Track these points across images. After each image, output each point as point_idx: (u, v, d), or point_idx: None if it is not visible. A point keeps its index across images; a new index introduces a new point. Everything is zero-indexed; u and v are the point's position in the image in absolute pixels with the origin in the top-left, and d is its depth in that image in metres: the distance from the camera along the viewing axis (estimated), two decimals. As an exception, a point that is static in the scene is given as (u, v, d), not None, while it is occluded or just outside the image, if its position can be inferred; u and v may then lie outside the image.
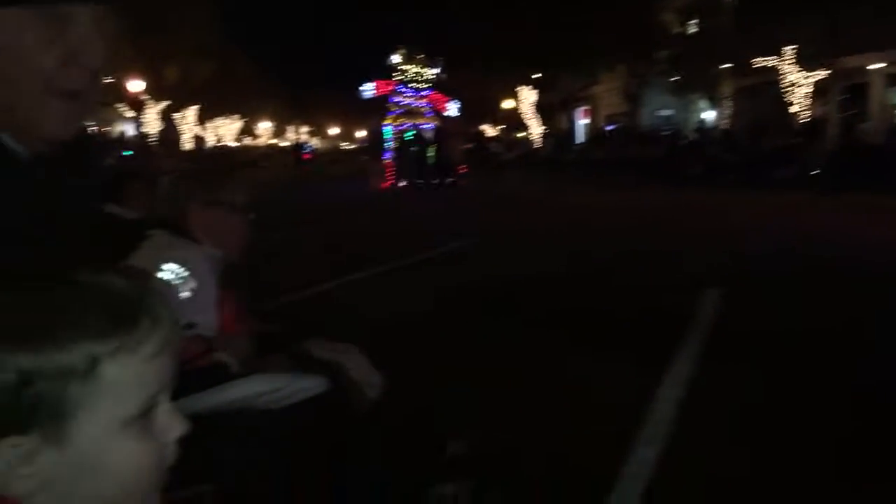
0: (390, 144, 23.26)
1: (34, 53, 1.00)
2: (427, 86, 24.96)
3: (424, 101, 24.74)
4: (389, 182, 21.89)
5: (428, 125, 24.03)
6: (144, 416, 0.71)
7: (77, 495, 0.68)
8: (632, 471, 2.86)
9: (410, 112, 24.38)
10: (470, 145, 24.13)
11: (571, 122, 40.64)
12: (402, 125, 23.91)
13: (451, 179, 21.44)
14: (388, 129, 23.77)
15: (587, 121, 41.98)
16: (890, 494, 2.70)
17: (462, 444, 2.66)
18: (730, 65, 26.56)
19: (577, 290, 6.34)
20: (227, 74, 38.93)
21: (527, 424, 3.33)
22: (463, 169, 22.54)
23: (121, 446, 0.69)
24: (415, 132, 23.27)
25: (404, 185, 21.35)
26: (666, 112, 35.05)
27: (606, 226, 10.99)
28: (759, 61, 23.31)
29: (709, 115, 30.92)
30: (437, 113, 24.88)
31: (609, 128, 36.25)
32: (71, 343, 0.65)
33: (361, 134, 31.83)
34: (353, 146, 61.68)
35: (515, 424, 3.31)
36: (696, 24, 29.34)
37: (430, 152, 22.09)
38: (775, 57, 22.91)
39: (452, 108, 25.15)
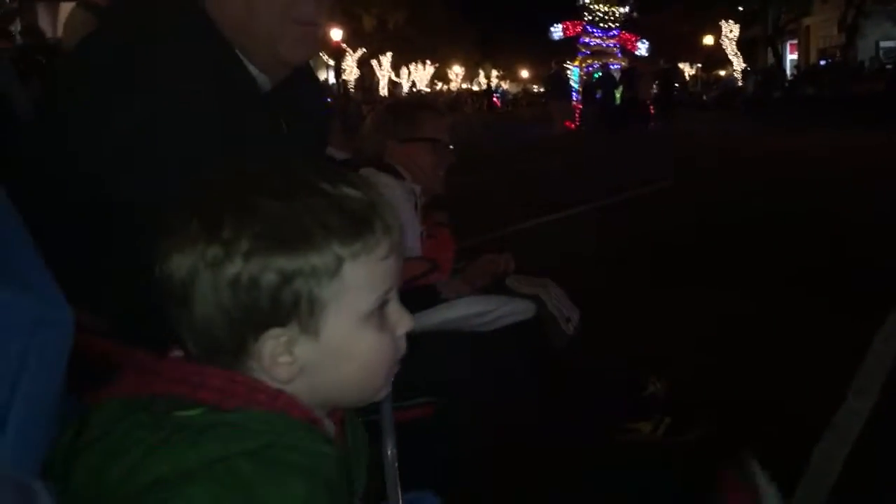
0: (577, 86, 22.85)
1: None
2: (616, 25, 24.14)
3: (613, 41, 23.95)
4: (576, 124, 21.47)
5: (616, 65, 23.27)
6: (380, 311, 0.80)
7: (328, 380, 0.79)
8: (841, 422, 2.72)
9: (599, 52, 23.82)
10: (657, 86, 22.78)
11: (779, 58, 37.76)
12: (589, 66, 23.36)
13: (639, 122, 20.52)
14: (576, 71, 23.45)
15: (795, 56, 38.88)
16: None
17: (662, 384, 2.64)
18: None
19: (773, 239, 6.00)
20: (420, 20, 39.64)
21: (730, 371, 3.23)
22: (652, 111, 21.63)
23: (363, 337, 0.78)
24: (602, 73, 22.64)
25: (591, 128, 20.76)
26: (890, 43, 31.71)
27: (812, 176, 10.21)
28: None
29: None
30: (627, 53, 24.02)
31: (821, 63, 33.34)
32: (323, 246, 0.74)
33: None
34: (543, 89, 61.46)
35: (717, 370, 3.23)
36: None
37: (618, 94, 21.44)
38: None
39: (642, 48, 24.30)
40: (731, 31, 36.01)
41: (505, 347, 1.73)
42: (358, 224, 0.76)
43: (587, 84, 22.92)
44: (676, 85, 30.19)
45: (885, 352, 3.36)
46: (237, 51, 1.27)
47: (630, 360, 3.07)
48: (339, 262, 0.74)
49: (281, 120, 1.34)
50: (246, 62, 1.29)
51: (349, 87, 35.61)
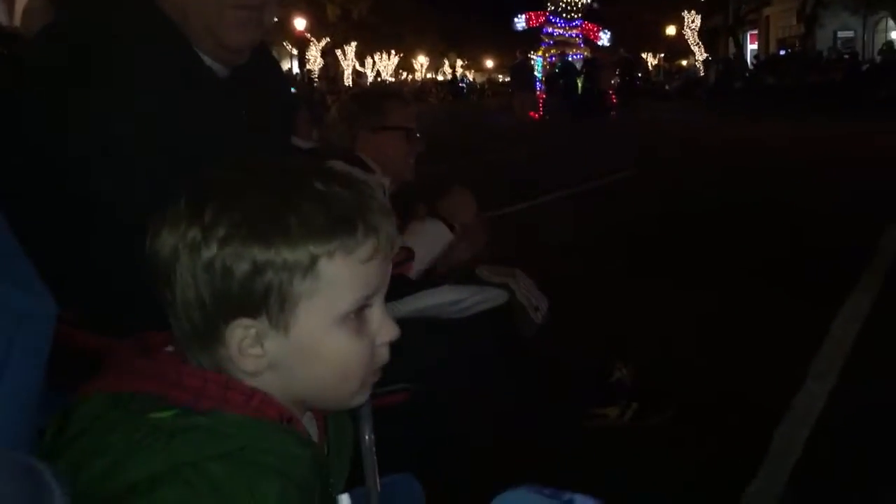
0: (540, 76, 23.16)
1: None
2: (579, 15, 24.50)
3: (576, 31, 24.25)
4: (540, 114, 21.75)
5: (578, 55, 23.56)
6: (358, 315, 0.79)
7: (300, 379, 0.79)
8: (801, 403, 2.80)
9: (562, 42, 24.13)
10: (618, 75, 23.41)
11: (740, 48, 38.23)
12: (552, 56, 23.68)
13: (601, 111, 20.75)
14: (539, 61, 23.63)
15: (755, 46, 39.36)
16: None
17: (628, 370, 2.69)
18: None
19: (736, 226, 6.12)
20: (384, 10, 39.45)
21: (691, 356, 3.30)
22: (614, 100, 21.95)
23: (336, 338, 0.77)
24: (564, 63, 22.98)
25: (554, 117, 21.04)
26: (846, 34, 32.29)
27: (770, 165, 10.39)
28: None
29: (896, 36, 28.26)
30: (589, 43, 24.27)
31: (781, 52, 33.81)
32: (298, 242, 0.74)
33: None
34: (508, 79, 61.70)
35: (680, 355, 3.29)
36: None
37: (580, 83, 21.77)
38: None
39: (604, 38, 24.83)
40: (692, 21, 36.41)
41: (479, 333, 1.77)
42: (339, 224, 0.75)
43: (550, 74, 23.25)
44: (639, 74, 30.57)
45: (842, 337, 3.46)
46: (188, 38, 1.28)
47: (597, 347, 3.11)
48: (314, 259, 0.74)
49: (241, 108, 1.34)
50: (197, 51, 1.29)
51: (313, 76, 35.33)
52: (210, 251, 0.73)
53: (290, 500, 0.71)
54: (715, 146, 12.55)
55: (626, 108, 21.80)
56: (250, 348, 0.76)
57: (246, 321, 0.75)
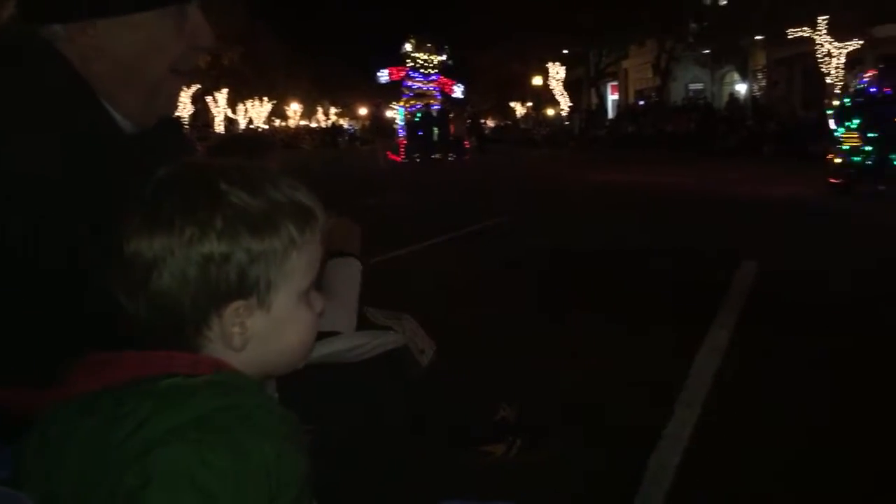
0: (402, 124, 26.30)
1: (170, 41, 1.22)
2: (435, 71, 27.57)
3: (433, 84, 27.38)
4: (402, 158, 24.64)
5: (436, 106, 26.82)
6: (309, 291, 0.92)
7: (274, 348, 0.90)
8: (672, 431, 2.98)
9: (421, 94, 27.25)
10: (469, 124, 28.22)
11: (601, 98, 40.30)
12: (413, 106, 26.77)
13: (454, 155, 24.68)
14: (401, 110, 26.84)
15: (616, 97, 41.56)
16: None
17: (512, 408, 2.79)
18: (762, 36, 26.15)
19: (607, 265, 6.44)
20: (255, 57, 39.16)
21: (570, 390, 3.45)
22: (467, 145, 25.81)
23: (300, 312, 0.91)
24: (423, 112, 26.17)
25: (415, 161, 24.14)
26: (697, 86, 34.61)
27: (636, 204, 11.01)
28: (792, 32, 22.92)
29: (741, 88, 30.53)
30: (445, 95, 26.42)
31: (639, 103, 35.91)
32: (283, 232, 0.86)
33: (391, 114, 33.97)
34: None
35: (560, 390, 3.43)
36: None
37: (437, 131, 25.30)
38: (808, 28, 22.50)
39: (458, 91, 27.91)
40: (557, 72, 38.12)
41: (376, 375, 1.82)
42: (307, 216, 0.88)
43: (410, 122, 26.07)
44: (483, 122, 34.44)
45: (706, 368, 3.71)
46: (98, 94, 1.27)
47: (483, 387, 3.20)
48: (293, 246, 0.86)
49: (150, 164, 1.34)
50: (107, 105, 1.29)
51: (183, 123, 34.45)
52: (210, 245, 0.82)
53: (288, 448, 0.80)
54: (583, 190, 13.16)
55: (480, 152, 25.28)
56: (239, 326, 0.86)
57: (238, 303, 0.85)
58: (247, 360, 0.88)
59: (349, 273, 2.08)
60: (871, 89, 11.73)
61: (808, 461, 2.75)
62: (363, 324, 2.24)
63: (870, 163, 10.38)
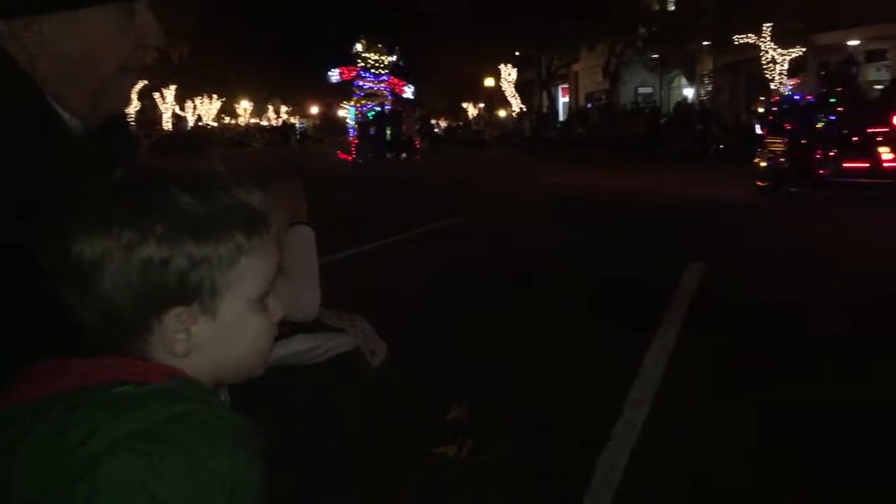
0: (353, 123, 26.34)
1: (117, 39, 1.20)
2: (385, 71, 27.69)
3: (383, 84, 27.51)
4: (352, 157, 24.66)
5: (387, 106, 26.94)
6: (263, 299, 0.90)
7: (224, 357, 0.88)
8: (619, 432, 3.03)
9: (372, 94, 27.34)
10: (419, 124, 28.33)
11: (552, 101, 40.67)
12: (364, 106, 26.87)
13: (405, 155, 24.88)
14: (352, 110, 26.97)
15: (567, 99, 41.98)
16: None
17: (463, 409, 2.80)
18: (708, 42, 26.70)
19: (556, 266, 6.50)
20: (205, 54, 38.57)
21: (520, 391, 3.48)
22: (418, 144, 25.97)
23: (251, 320, 0.88)
24: (377, 112, 26.18)
25: (365, 159, 24.12)
26: (646, 90, 35.18)
27: (586, 205, 11.14)
28: (738, 38, 23.47)
29: (688, 93, 31.11)
30: (395, 95, 26.60)
31: (589, 105, 36.35)
32: (228, 238, 0.83)
33: (342, 114, 34.06)
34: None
35: (510, 391, 3.46)
36: (675, 1, 29.42)
37: (389, 130, 25.28)
38: (753, 35, 23.07)
39: (408, 92, 28.11)
40: (509, 74, 38.35)
41: (331, 378, 1.81)
42: (257, 222, 0.86)
43: (362, 122, 26.05)
44: (433, 122, 34.43)
45: (653, 368, 3.77)
46: (45, 93, 1.24)
47: (434, 387, 3.21)
48: (240, 252, 0.84)
49: (97, 162, 1.32)
50: (54, 104, 1.26)
51: (129, 120, 33.81)
52: (148, 249, 0.80)
53: (239, 456, 0.79)
54: (534, 191, 13.25)
55: (431, 152, 25.39)
56: (181, 333, 0.84)
57: (179, 310, 0.83)
58: (199, 367, 0.86)
59: (303, 244, 2.04)
60: (795, 97, 12.38)
61: (757, 459, 2.82)
62: (317, 326, 2.24)
63: (789, 166, 10.79)
